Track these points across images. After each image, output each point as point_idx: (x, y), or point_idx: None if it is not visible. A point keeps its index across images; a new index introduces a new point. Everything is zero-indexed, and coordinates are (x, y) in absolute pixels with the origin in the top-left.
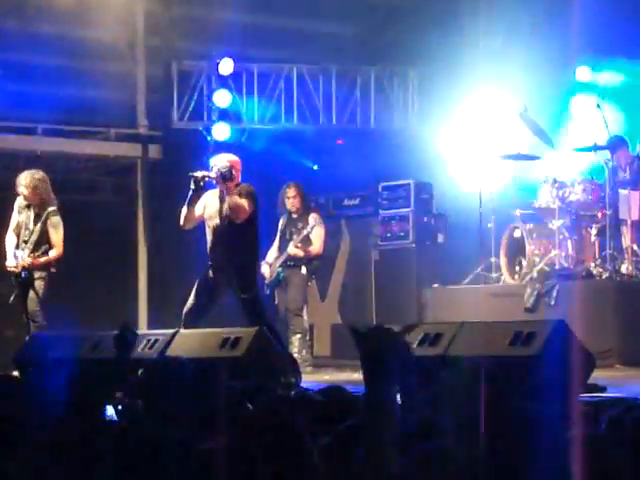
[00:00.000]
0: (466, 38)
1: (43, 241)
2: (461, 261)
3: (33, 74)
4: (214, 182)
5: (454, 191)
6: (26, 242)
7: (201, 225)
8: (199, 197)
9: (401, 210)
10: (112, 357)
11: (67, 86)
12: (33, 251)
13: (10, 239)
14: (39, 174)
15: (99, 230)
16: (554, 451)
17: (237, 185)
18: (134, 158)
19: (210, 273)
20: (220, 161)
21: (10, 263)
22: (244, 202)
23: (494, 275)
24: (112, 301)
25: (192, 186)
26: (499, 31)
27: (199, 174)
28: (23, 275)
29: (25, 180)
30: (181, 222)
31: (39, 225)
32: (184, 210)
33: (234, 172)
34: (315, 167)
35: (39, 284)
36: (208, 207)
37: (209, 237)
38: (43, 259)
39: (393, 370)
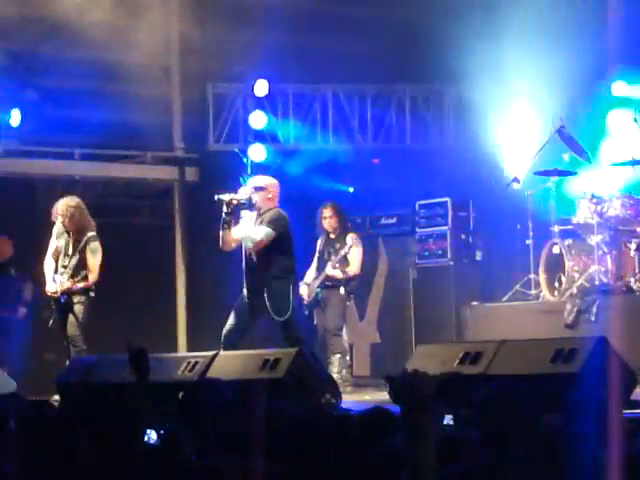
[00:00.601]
0: (501, 55)
1: (82, 266)
2: (500, 278)
3: (69, 99)
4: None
5: (492, 208)
6: (65, 267)
7: (240, 246)
8: (232, 219)
9: (439, 228)
10: (152, 380)
11: (103, 110)
12: (72, 276)
13: (49, 264)
14: (74, 201)
15: (137, 253)
16: (594, 469)
17: (273, 209)
18: (171, 181)
19: (246, 295)
20: (253, 182)
21: (50, 288)
22: (257, 230)
23: (533, 292)
24: (151, 324)
25: (224, 209)
26: (534, 47)
27: (226, 197)
28: (62, 300)
29: (61, 209)
30: (220, 244)
31: (78, 251)
32: (220, 234)
33: (260, 198)
34: (350, 190)
35: (78, 308)
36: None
37: (243, 259)
38: (82, 284)
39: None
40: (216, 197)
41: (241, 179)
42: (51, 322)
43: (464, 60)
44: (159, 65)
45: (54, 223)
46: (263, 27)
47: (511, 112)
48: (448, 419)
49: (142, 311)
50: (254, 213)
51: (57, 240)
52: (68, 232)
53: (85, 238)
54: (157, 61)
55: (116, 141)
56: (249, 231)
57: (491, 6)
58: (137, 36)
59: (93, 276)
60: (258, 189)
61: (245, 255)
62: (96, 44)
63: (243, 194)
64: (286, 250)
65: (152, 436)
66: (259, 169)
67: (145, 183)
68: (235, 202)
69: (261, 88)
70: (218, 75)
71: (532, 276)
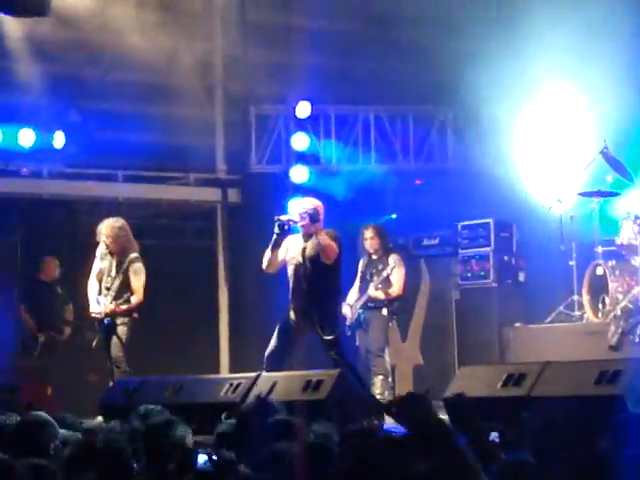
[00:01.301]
0: (541, 76)
1: (125, 288)
2: (543, 300)
3: (112, 121)
4: (298, 226)
5: (534, 229)
6: (108, 289)
7: (282, 268)
8: (282, 241)
9: (481, 249)
10: (196, 401)
11: (146, 132)
12: (115, 298)
13: (93, 286)
14: (119, 222)
15: (180, 274)
16: None
17: (321, 230)
18: (214, 202)
19: (291, 315)
20: (303, 203)
21: (93, 309)
22: (333, 243)
23: (577, 313)
24: (194, 345)
25: (276, 230)
26: (573, 67)
27: (284, 218)
28: (106, 322)
29: (106, 230)
30: (264, 265)
31: (121, 272)
32: (267, 253)
33: (319, 214)
34: (394, 216)
35: (122, 330)
36: (291, 250)
37: (291, 280)
38: (125, 307)
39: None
40: (276, 218)
41: (284, 201)
42: (94, 343)
43: (505, 81)
44: (202, 87)
45: (97, 244)
46: (305, 49)
47: (553, 133)
48: (494, 436)
49: (185, 332)
50: (299, 235)
51: (101, 262)
52: (111, 253)
53: (128, 259)
54: (200, 83)
55: (159, 163)
56: (325, 237)
57: (528, 25)
58: (180, 58)
59: (137, 298)
60: (307, 211)
61: (294, 274)
62: (139, 66)
63: (296, 216)
64: (336, 270)
65: (202, 459)
66: (301, 191)
67: (188, 204)
68: (291, 223)
69: (303, 110)
70: (260, 97)
71: (575, 297)
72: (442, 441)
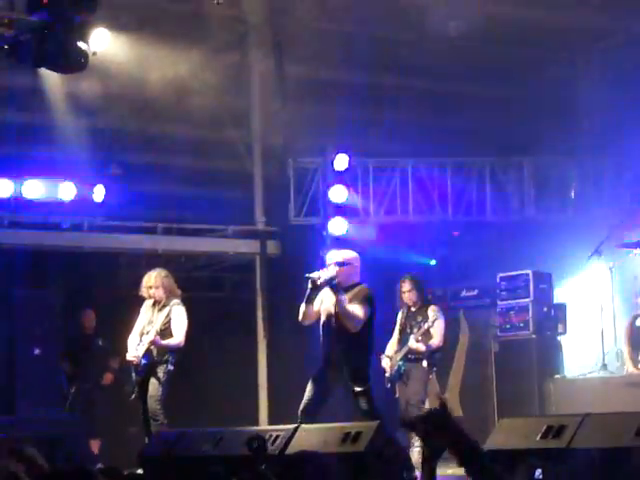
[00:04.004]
0: (579, 126)
1: (167, 333)
2: (583, 351)
3: (152, 174)
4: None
5: (573, 280)
6: (148, 333)
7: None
8: (315, 295)
9: (520, 300)
10: (236, 454)
11: (186, 185)
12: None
13: (134, 339)
14: (163, 272)
15: (219, 327)
16: None
17: (356, 285)
18: (253, 254)
19: (324, 366)
20: (339, 255)
21: (131, 353)
22: (358, 309)
23: (617, 365)
24: (233, 397)
25: (310, 286)
26: (610, 120)
27: (315, 275)
28: (143, 362)
29: (154, 280)
30: (300, 318)
31: (163, 315)
32: (302, 307)
33: (349, 264)
34: (433, 262)
35: (158, 382)
36: (325, 301)
37: (322, 333)
38: (164, 342)
39: None
40: (306, 276)
41: (321, 253)
42: (133, 396)
43: (542, 132)
44: (241, 141)
45: (138, 297)
46: (341, 101)
47: (589, 182)
48: (538, 473)
49: (224, 384)
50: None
51: (144, 315)
52: (155, 304)
53: (171, 304)
54: (239, 137)
55: (198, 215)
56: (352, 310)
57: (571, 80)
58: (219, 112)
59: (179, 339)
60: (342, 264)
61: (326, 325)
62: (179, 121)
63: (330, 272)
64: (369, 328)
65: None
66: (339, 243)
67: (227, 257)
68: (323, 280)
69: (341, 162)
70: (299, 150)
71: (615, 349)
72: (473, 457)
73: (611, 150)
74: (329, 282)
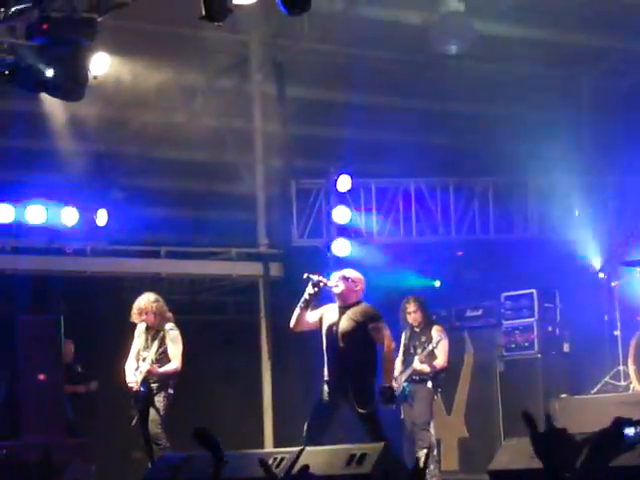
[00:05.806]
0: (580, 143)
1: (163, 357)
2: (588, 370)
3: (154, 197)
4: (332, 292)
5: (578, 299)
6: (144, 359)
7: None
8: (313, 301)
9: (525, 320)
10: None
11: (188, 208)
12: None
13: (131, 364)
14: (153, 296)
15: (223, 348)
16: None
17: (357, 303)
18: (256, 277)
19: (326, 389)
20: (343, 274)
21: (130, 379)
22: (385, 335)
23: (623, 383)
24: (237, 419)
25: (309, 289)
26: (614, 140)
27: (315, 277)
28: (142, 390)
29: (144, 305)
30: (292, 323)
31: (158, 341)
32: (297, 311)
33: (347, 289)
34: (437, 284)
35: (159, 405)
36: (326, 320)
37: (326, 353)
38: (162, 370)
39: None
40: (306, 275)
41: (326, 275)
42: (134, 421)
43: (545, 152)
44: (243, 163)
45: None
46: (344, 123)
47: (594, 201)
48: None
49: (228, 407)
50: (335, 306)
51: (138, 340)
52: (148, 329)
53: (165, 329)
54: (241, 159)
55: (201, 238)
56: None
57: (573, 99)
58: (221, 134)
59: (176, 364)
60: (347, 279)
61: (328, 347)
62: (179, 144)
63: (333, 280)
64: (373, 343)
65: None
66: (342, 263)
67: (230, 279)
68: (322, 284)
69: (344, 183)
70: (301, 171)
71: (621, 367)
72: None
73: (613, 168)
74: (332, 290)
